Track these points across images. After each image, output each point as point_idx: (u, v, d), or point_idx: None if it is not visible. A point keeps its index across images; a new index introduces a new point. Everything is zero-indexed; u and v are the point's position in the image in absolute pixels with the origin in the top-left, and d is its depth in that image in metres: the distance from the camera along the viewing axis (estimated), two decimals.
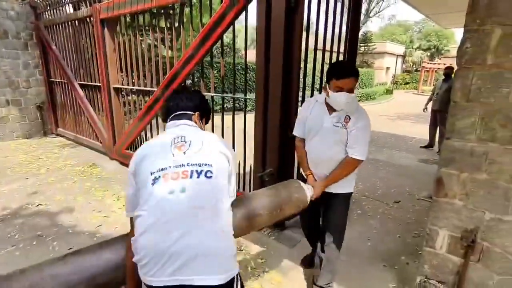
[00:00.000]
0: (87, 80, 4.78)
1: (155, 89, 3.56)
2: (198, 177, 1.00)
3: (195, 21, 3.65)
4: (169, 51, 3.47)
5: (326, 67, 2.71)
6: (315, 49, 2.76)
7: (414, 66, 25.84)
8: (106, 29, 3.99)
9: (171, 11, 3.26)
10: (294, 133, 1.92)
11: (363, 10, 26.28)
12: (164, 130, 1.24)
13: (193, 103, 1.26)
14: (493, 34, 1.38)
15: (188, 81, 3.76)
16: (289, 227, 2.72)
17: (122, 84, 4.20)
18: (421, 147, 6.06)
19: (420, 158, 5.34)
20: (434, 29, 25.93)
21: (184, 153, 1.04)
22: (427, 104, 6.02)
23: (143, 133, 3.99)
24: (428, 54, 25.99)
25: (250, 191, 2.84)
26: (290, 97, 2.41)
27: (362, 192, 3.73)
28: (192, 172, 1.00)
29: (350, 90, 1.58)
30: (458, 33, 27.97)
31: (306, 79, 2.53)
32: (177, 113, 1.22)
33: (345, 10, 2.85)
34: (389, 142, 6.56)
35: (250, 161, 2.75)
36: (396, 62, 25.17)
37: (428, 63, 23.05)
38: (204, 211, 0.97)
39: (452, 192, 1.62)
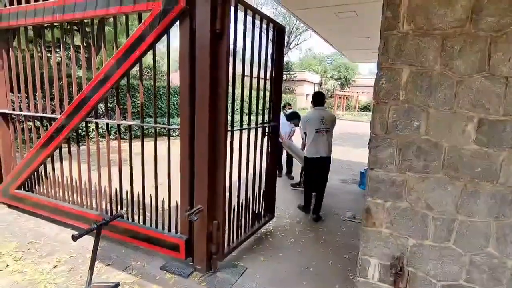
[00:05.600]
0: None
1: (57, 116, 2.99)
2: (326, 132, 3.67)
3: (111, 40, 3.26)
4: (82, 72, 2.98)
5: (254, 93, 2.74)
6: (243, 75, 2.73)
7: (328, 93, 29.06)
8: None
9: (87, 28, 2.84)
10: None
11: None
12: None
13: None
14: (403, 72, 1.51)
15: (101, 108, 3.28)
16: (221, 269, 2.47)
17: (14, 109, 3.43)
18: None
19: (340, 178, 5.77)
20: (342, 62, 29.89)
21: (323, 123, 3.65)
22: None
23: (42, 168, 3.27)
24: (339, 83, 29.66)
25: (177, 233, 2.52)
26: (219, 124, 2.27)
27: (294, 217, 3.76)
28: (325, 130, 3.66)
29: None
30: (361, 66, 32.88)
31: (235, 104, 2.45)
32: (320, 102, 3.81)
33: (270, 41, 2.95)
34: None
35: (176, 197, 2.46)
36: (314, 89, 27.98)
37: (340, 91, 26.29)
38: (328, 139, 3.71)
39: (379, 220, 1.67)
